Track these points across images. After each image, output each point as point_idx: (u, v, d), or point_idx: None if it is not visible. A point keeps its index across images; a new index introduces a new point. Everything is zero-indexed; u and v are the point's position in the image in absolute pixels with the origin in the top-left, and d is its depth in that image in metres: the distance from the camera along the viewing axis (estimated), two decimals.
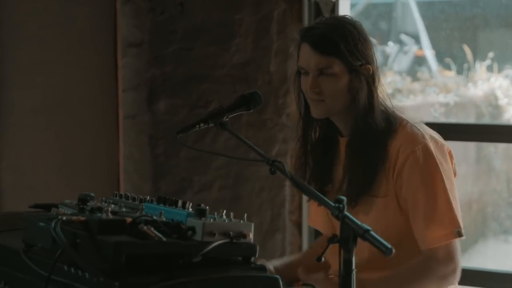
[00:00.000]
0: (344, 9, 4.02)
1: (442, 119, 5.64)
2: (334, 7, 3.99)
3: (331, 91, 2.42)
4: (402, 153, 2.41)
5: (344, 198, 1.82)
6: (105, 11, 3.99)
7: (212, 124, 2.26)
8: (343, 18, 2.49)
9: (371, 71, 2.45)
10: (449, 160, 2.48)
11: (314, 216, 2.75)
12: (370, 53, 2.46)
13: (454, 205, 2.41)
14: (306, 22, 4.01)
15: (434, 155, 2.42)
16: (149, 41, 4.07)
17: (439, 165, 2.42)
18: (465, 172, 5.70)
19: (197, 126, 2.28)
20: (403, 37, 6.15)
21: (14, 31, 3.76)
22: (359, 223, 1.75)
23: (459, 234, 2.40)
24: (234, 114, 2.30)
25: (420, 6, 5.97)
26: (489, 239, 5.82)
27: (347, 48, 2.40)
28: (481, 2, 5.09)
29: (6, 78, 3.74)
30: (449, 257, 2.41)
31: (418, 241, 2.44)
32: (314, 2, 4.03)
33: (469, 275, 3.93)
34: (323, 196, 1.95)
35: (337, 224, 2.64)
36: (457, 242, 2.44)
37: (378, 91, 2.48)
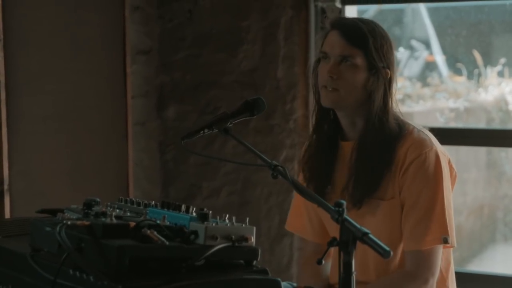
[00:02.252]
0: (351, 16, 4.03)
1: (452, 124, 5.63)
2: (341, 14, 4.00)
3: (347, 82, 2.45)
4: (409, 155, 2.44)
5: (344, 202, 1.83)
6: (114, 19, 4.01)
7: (216, 130, 2.29)
8: (377, 22, 2.53)
9: (389, 76, 2.47)
10: (449, 169, 2.51)
11: (295, 221, 2.75)
12: (392, 59, 2.49)
13: (447, 214, 2.43)
14: (312, 28, 4.02)
15: (440, 161, 2.45)
16: (157, 48, 4.09)
17: (443, 172, 2.44)
18: (475, 177, 5.68)
19: (201, 132, 2.30)
20: (414, 42, 6.14)
21: (24, 38, 3.77)
22: (358, 226, 1.76)
23: (446, 241, 2.41)
24: (238, 120, 2.31)
25: (430, 12, 5.96)
26: (499, 244, 5.79)
27: (374, 45, 2.44)
28: (486, 8, 5.08)
29: (16, 85, 3.75)
30: (428, 265, 2.43)
31: (404, 240, 2.46)
32: (320, 8, 4.05)
33: (479, 280, 3.95)
34: (323, 200, 1.97)
35: (320, 229, 2.68)
36: (440, 251, 2.45)
37: (393, 98, 2.51)
